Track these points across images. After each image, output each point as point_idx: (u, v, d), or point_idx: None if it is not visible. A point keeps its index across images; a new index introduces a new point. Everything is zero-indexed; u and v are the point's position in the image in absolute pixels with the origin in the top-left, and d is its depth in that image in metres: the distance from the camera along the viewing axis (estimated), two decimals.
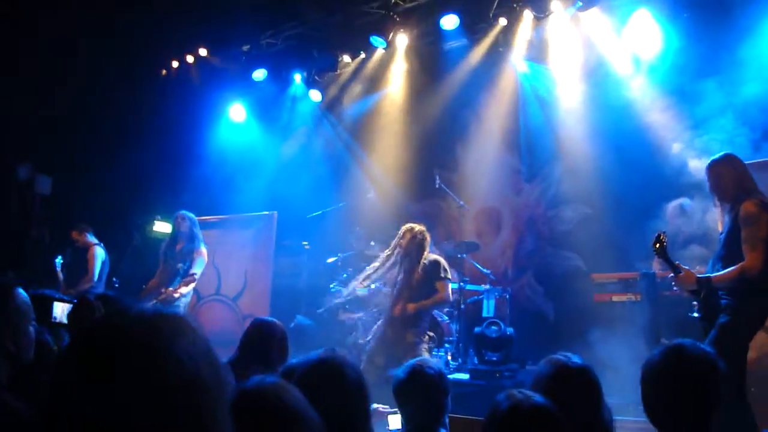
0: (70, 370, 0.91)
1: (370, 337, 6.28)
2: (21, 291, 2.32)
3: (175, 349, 0.92)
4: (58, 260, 7.71)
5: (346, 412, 1.97)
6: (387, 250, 6.21)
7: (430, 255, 6.08)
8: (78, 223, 7.93)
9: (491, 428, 1.80)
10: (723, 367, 2.16)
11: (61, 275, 7.67)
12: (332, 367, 2.07)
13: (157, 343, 0.91)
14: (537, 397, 1.82)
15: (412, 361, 2.86)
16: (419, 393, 2.69)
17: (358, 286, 6.68)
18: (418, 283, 5.89)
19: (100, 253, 7.76)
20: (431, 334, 6.05)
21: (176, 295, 6.82)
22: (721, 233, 4.37)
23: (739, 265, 4.05)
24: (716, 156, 4.44)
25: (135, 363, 0.88)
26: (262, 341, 3.82)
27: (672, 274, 4.28)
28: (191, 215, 7.29)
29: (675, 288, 4.37)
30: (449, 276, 6.03)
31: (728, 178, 4.28)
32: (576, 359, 2.36)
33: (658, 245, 4.20)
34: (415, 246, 5.95)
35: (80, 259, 7.77)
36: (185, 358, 0.92)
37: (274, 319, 4.06)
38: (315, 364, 2.08)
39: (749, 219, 4.07)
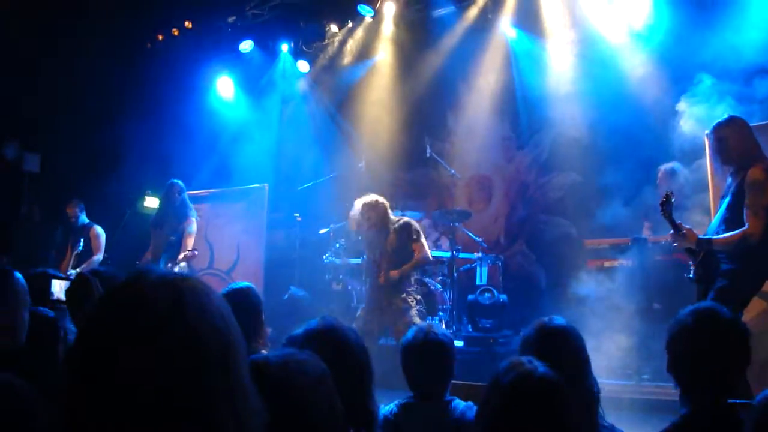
0: (97, 335, 0.90)
1: (360, 305, 6.31)
2: (18, 275, 2.32)
3: (206, 308, 0.93)
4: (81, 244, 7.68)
5: (353, 377, 1.96)
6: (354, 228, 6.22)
7: (398, 219, 6.08)
8: (75, 201, 7.90)
9: (495, 399, 1.78)
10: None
11: (73, 257, 7.60)
12: (335, 333, 2.05)
13: (187, 303, 0.92)
14: (541, 367, 1.80)
15: (422, 324, 2.86)
16: (431, 357, 2.68)
17: None
18: (394, 249, 5.89)
19: (102, 232, 7.79)
20: (418, 297, 6.08)
21: (176, 270, 6.78)
22: (723, 196, 4.35)
23: (741, 230, 4.05)
24: (721, 119, 4.38)
25: (167, 324, 0.89)
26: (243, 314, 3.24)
27: (672, 233, 4.29)
28: (181, 184, 7.23)
29: (675, 245, 4.36)
30: (423, 236, 6.04)
31: (733, 141, 4.23)
32: (559, 320, 2.38)
33: (666, 204, 4.21)
34: (378, 216, 5.95)
35: (78, 237, 7.77)
36: (215, 316, 0.93)
37: (242, 285, 3.37)
38: (317, 332, 2.07)
39: (755, 185, 4.05)
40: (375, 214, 5.90)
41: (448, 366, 2.72)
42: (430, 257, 6.22)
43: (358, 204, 6.01)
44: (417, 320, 5.68)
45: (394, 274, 5.83)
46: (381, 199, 6.00)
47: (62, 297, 3.09)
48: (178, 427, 0.86)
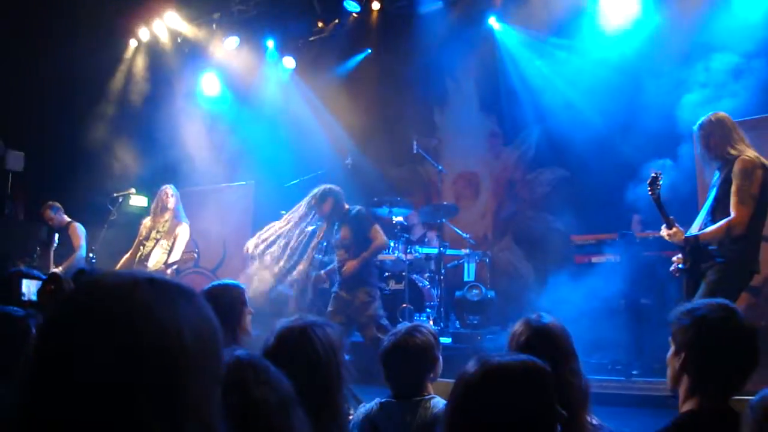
0: (41, 344, 0.87)
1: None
2: None
3: (155, 312, 0.88)
4: (56, 240, 7.57)
5: (323, 377, 1.94)
6: (296, 212, 6.20)
7: (350, 208, 6.03)
8: (48, 203, 7.79)
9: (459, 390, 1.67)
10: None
11: (51, 255, 7.51)
12: (299, 334, 2.02)
13: (133, 303, 0.87)
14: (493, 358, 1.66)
15: (403, 325, 2.81)
16: (405, 357, 2.62)
17: (252, 246, 6.62)
18: (350, 239, 5.87)
19: (82, 229, 7.70)
20: (381, 285, 6.04)
21: (168, 272, 6.73)
22: (711, 188, 4.39)
23: (726, 220, 4.09)
24: (705, 116, 4.43)
25: (107, 321, 0.85)
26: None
27: (663, 226, 4.31)
28: (175, 190, 7.21)
29: (666, 238, 4.38)
30: (375, 222, 6.02)
31: (719, 136, 4.29)
32: (546, 317, 2.34)
33: (653, 185, 4.21)
34: (331, 207, 5.93)
35: (62, 236, 7.67)
36: (165, 321, 0.88)
37: (223, 282, 3.39)
38: (281, 333, 2.04)
39: (742, 174, 4.09)
40: (325, 205, 5.89)
41: (424, 366, 2.67)
42: (387, 241, 6.19)
43: (311, 193, 6.01)
44: (380, 313, 5.78)
45: (352, 264, 5.80)
46: (332, 189, 5.99)
47: (33, 297, 3.03)
48: None
